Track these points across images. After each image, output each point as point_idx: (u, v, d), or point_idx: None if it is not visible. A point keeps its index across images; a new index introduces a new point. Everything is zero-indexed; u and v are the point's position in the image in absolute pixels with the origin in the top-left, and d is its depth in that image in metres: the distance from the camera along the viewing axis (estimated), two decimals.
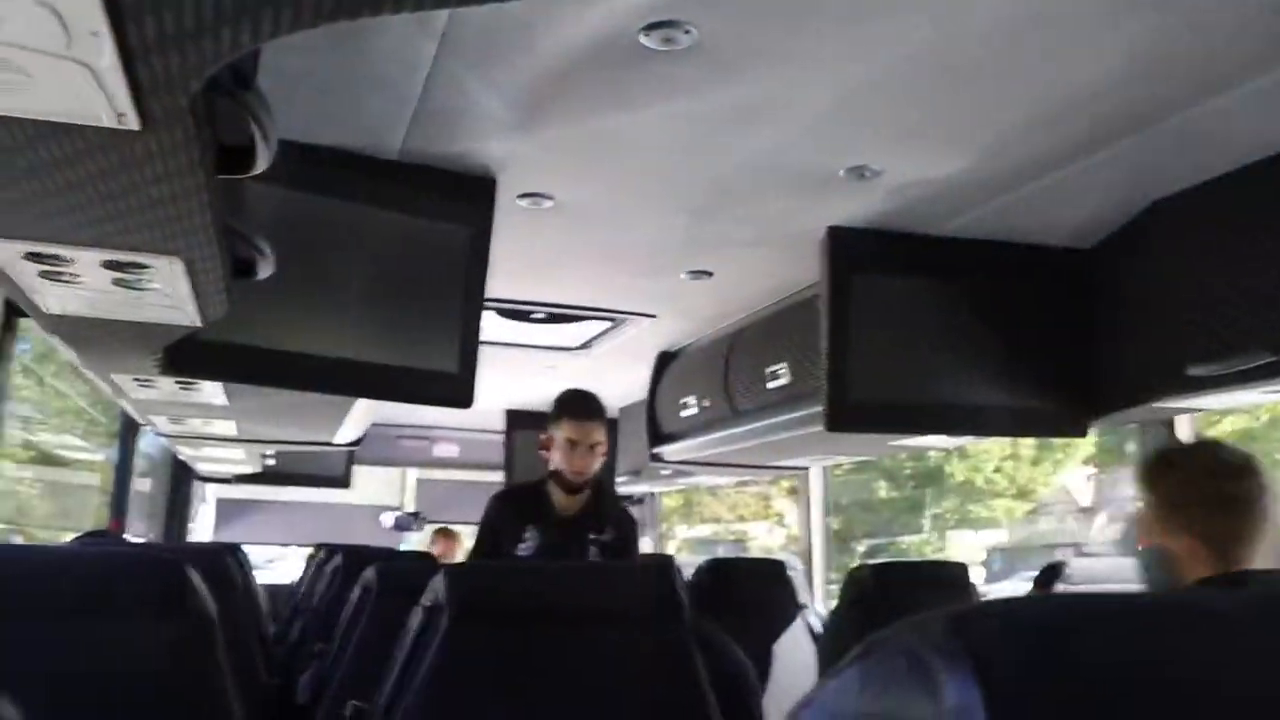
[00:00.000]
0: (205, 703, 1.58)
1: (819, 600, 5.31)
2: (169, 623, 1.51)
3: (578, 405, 3.58)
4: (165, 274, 1.82)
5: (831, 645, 3.21)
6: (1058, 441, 16.78)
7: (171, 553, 3.47)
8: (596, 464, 3.55)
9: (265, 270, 1.99)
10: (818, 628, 4.36)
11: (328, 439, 4.83)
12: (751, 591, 4.30)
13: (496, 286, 3.71)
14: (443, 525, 6.16)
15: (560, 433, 3.54)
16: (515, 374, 5.71)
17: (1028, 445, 17.83)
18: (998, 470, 18.67)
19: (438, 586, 1.55)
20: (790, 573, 4.51)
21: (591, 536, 3.59)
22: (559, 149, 2.56)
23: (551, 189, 2.86)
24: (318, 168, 2.44)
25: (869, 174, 2.68)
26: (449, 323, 2.72)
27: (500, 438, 6.94)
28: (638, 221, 3.14)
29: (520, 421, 6.86)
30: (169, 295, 1.99)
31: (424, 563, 4.08)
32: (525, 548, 3.55)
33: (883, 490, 20.16)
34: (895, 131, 2.44)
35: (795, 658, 4.16)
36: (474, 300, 2.76)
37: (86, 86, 1.08)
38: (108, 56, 1.02)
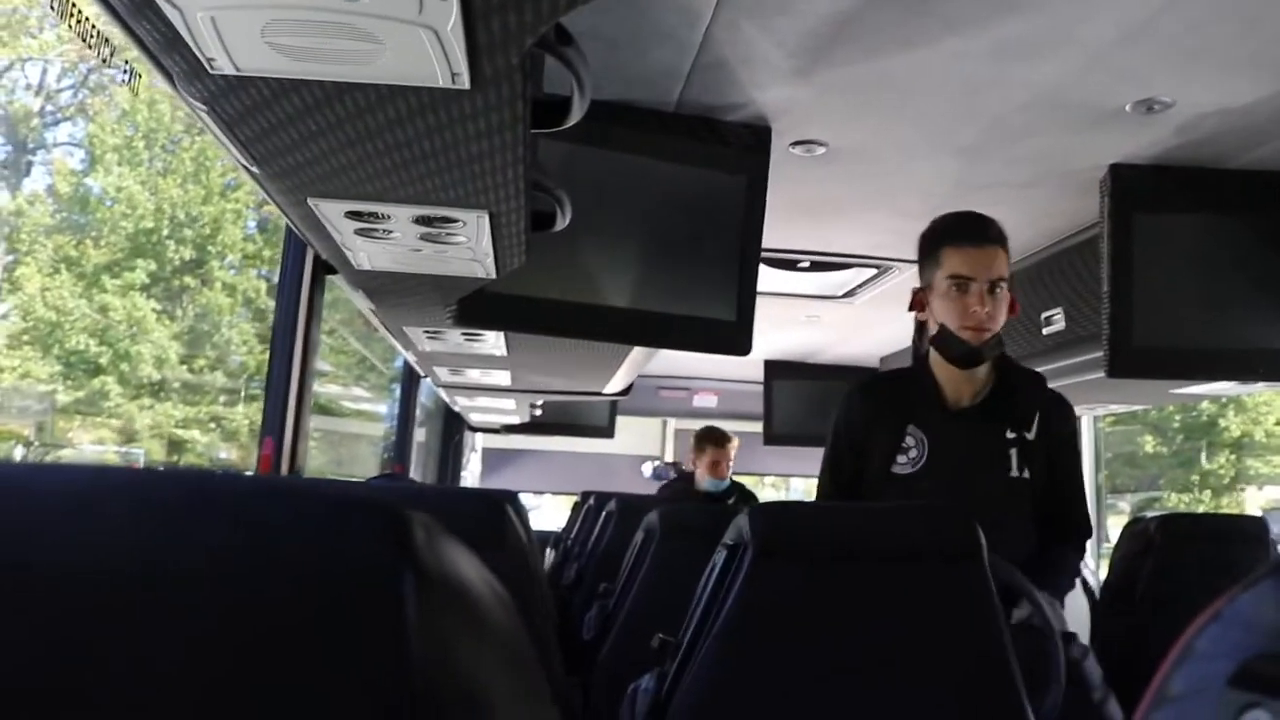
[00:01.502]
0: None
1: (1090, 556, 5.14)
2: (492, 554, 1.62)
3: (968, 226, 2.49)
4: (471, 228, 1.93)
5: (1114, 602, 3.10)
6: None
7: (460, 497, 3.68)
8: (1003, 315, 2.45)
9: (562, 222, 2.08)
10: (1092, 584, 4.22)
11: (598, 389, 4.98)
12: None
13: (765, 235, 3.75)
14: (708, 426, 5.93)
15: (941, 271, 2.46)
16: (776, 323, 5.72)
17: None
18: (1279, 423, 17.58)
19: (742, 525, 1.60)
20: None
21: (1010, 435, 2.47)
22: (834, 94, 2.56)
23: (825, 135, 2.86)
24: (601, 121, 2.51)
25: (1158, 106, 2.56)
26: (727, 272, 2.77)
27: (759, 388, 6.98)
28: (910, 165, 3.11)
29: (779, 371, 6.88)
30: (471, 249, 2.10)
31: (703, 506, 4.17)
32: (908, 462, 2.49)
33: (1149, 444, 19.25)
34: (1189, 59, 2.32)
35: (1067, 615, 4.04)
36: (751, 249, 2.80)
37: (430, 49, 1.16)
38: (453, 18, 1.09)
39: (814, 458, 4.71)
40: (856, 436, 2.55)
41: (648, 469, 7.93)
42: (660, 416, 8.20)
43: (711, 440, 5.37)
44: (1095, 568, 4.57)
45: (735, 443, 5.36)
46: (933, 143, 2.92)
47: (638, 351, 3.60)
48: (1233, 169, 2.97)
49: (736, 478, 5.58)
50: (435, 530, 0.47)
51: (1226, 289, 3.06)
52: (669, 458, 8.23)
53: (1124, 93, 2.52)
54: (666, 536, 2.90)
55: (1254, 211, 3.02)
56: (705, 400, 7.78)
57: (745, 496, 5.48)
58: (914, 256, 3.22)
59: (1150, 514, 3.43)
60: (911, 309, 2.58)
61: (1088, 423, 5.60)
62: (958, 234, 2.46)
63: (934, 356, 2.51)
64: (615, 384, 4.76)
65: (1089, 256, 3.42)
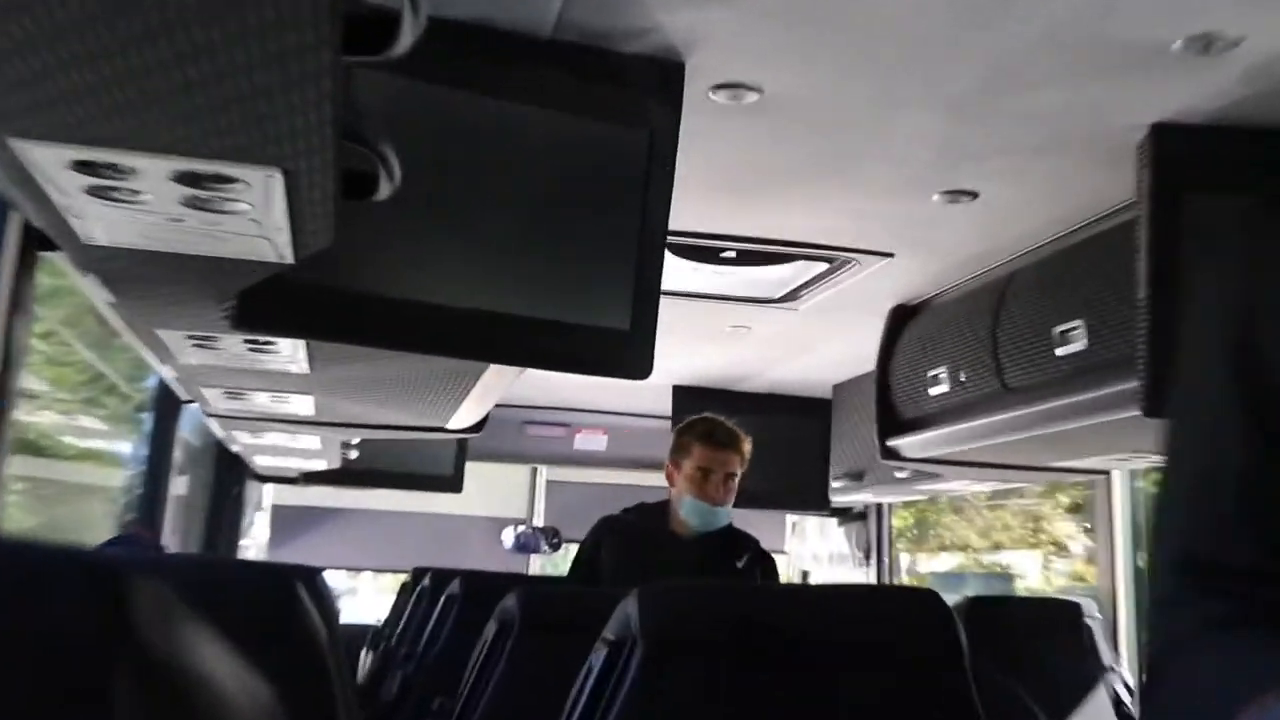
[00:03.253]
0: None
1: (1127, 661, 5.26)
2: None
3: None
4: (258, 191, 1.91)
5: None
6: None
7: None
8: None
9: (387, 188, 2.07)
10: (1128, 699, 4.33)
11: (439, 424, 4.96)
12: (1032, 646, 4.28)
13: (674, 213, 3.78)
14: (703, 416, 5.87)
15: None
16: (690, 336, 5.80)
17: None
18: None
19: (628, 614, 1.61)
20: (1088, 621, 4.47)
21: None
22: (773, 20, 2.58)
23: (759, 77, 2.88)
24: (444, 49, 2.49)
25: (1219, 44, 2.63)
26: (619, 262, 2.78)
27: (665, 425, 7.00)
28: (876, 121, 3.16)
29: (693, 403, 6.88)
30: (257, 221, 2.08)
31: (580, 589, 4.18)
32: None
33: None
34: None
35: None
36: (654, 231, 2.81)
37: None
38: None
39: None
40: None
41: (509, 537, 7.93)
42: (528, 463, 8.21)
43: (703, 435, 4.73)
44: (1131, 679, 4.68)
45: (747, 446, 4.76)
46: (909, 91, 2.96)
47: (494, 372, 3.58)
48: None
49: None
50: (168, 604, 0.46)
51: None
52: (539, 520, 8.23)
53: (1172, 25, 2.57)
54: (529, 629, 2.91)
55: None
56: (591, 441, 7.81)
57: (754, 552, 4.95)
58: (882, 246, 3.38)
59: None
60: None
61: (1122, 480, 5.74)
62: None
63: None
64: (463, 417, 4.74)
65: (1122, 249, 3.49)
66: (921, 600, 1.71)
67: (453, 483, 7.42)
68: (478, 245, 2.70)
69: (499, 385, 4.01)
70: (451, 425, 4.95)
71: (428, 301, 2.64)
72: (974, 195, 3.72)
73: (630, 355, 2.81)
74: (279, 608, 1.65)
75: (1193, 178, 3.06)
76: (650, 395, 6.92)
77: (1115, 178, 3.30)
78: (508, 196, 2.71)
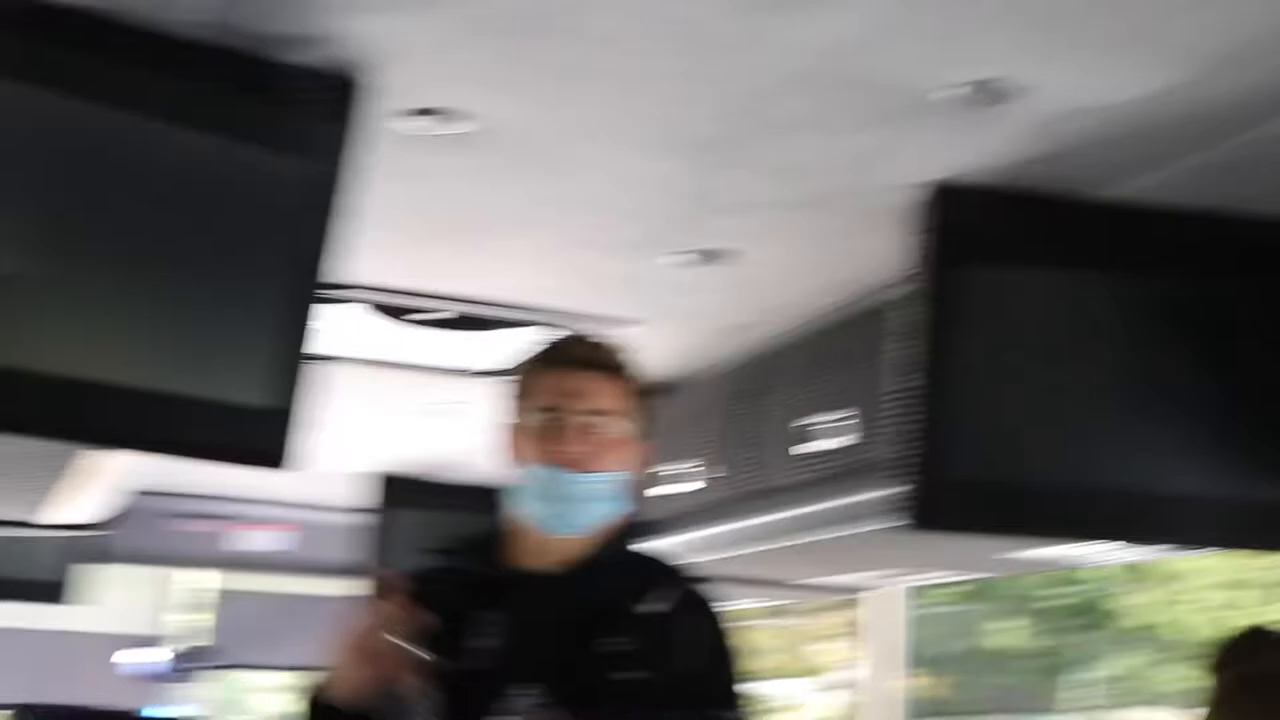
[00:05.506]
0: None
1: None
2: None
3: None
4: None
5: None
6: None
7: None
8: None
9: None
10: None
11: (25, 518, 4.78)
12: None
13: (371, 265, 3.76)
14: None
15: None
16: (399, 414, 5.77)
17: (1264, 566, 17.89)
18: (1207, 608, 18.70)
19: None
20: None
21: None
22: (485, 36, 2.59)
23: (468, 102, 2.88)
24: (56, 48, 2.46)
25: (1005, 94, 2.71)
26: (256, 320, 2.73)
27: (366, 520, 6.96)
28: (612, 164, 3.18)
29: (406, 495, 6.88)
30: None
31: None
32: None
33: (1014, 633, 20.15)
34: (1053, 25, 2.47)
35: None
36: (306, 282, 2.78)
37: None
38: None
39: None
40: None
41: (127, 659, 7.64)
42: (186, 567, 7.99)
43: (551, 356, 3.17)
44: None
45: (631, 370, 3.21)
46: (647, 130, 3.00)
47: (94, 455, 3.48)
48: (1118, 204, 3.16)
49: None
50: None
51: (1101, 395, 3.23)
52: (190, 641, 7.99)
53: (952, 68, 2.65)
54: None
55: (1150, 273, 3.21)
56: (276, 540, 7.66)
57: (677, 591, 3.16)
58: (623, 312, 3.37)
59: None
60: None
61: (894, 599, 5.82)
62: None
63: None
64: (58, 509, 4.58)
65: (891, 330, 3.54)
66: None
67: (55, 592, 7.05)
68: (68, 292, 2.58)
69: (113, 471, 3.89)
70: (39, 520, 4.77)
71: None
72: (731, 256, 3.77)
73: (260, 439, 2.75)
74: None
75: (979, 247, 3.15)
76: (351, 486, 6.81)
77: (889, 245, 3.34)
78: (115, 229, 2.61)
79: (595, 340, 3.16)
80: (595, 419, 2.98)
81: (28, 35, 2.43)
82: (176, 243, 2.69)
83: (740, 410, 4.37)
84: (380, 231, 2.91)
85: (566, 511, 2.98)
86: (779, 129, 2.95)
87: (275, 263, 2.75)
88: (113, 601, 7.72)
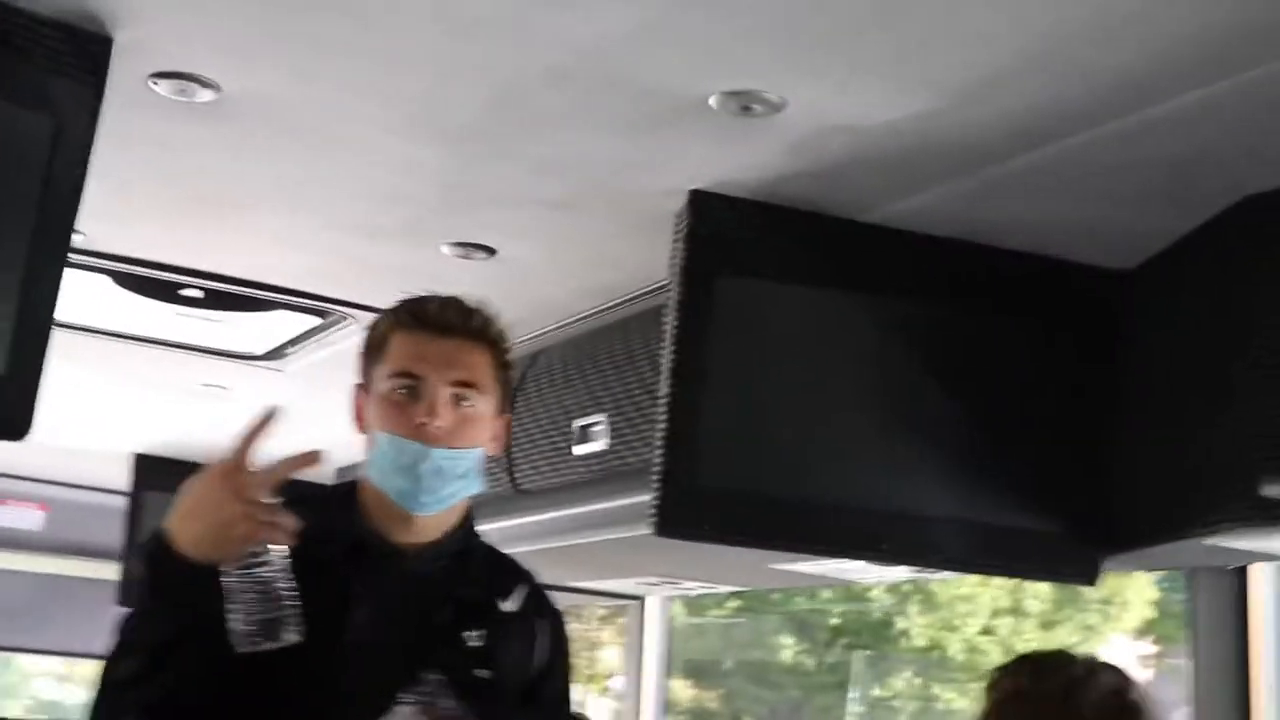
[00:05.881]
0: None
1: None
2: None
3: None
4: None
5: None
6: (1089, 592, 17.15)
7: None
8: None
9: None
10: None
11: None
12: None
13: (114, 233, 3.70)
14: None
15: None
16: (153, 394, 5.69)
17: (1039, 592, 18.25)
18: (986, 632, 19.01)
19: None
20: None
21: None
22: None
23: (219, 69, 2.82)
24: None
25: (760, 108, 2.73)
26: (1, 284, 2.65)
27: (120, 502, 6.87)
28: (365, 146, 3.16)
29: (157, 475, 6.72)
30: None
31: None
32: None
33: (789, 650, 20.34)
34: (816, 42, 2.49)
35: None
36: (53, 246, 2.71)
37: None
38: None
39: None
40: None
41: None
42: None
43: (409, 316, 2.92)
44: None
45: (497, 332, 3.00)
46: (403, 113, 2.98)
47: None
48: (870, 223, 3.21)
49: None
50: None
51: (848, 409, 3.27)
52: None
53: (710, 77, 2.66)
54: None
55: (898, 293, 3.28)
56: (22, 517, 7.50)
57: (531, 590, 3.13)
58: (382, 302, 3.32)
59: None
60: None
61: (657, 609, 5.84)
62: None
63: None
64: None
65: (653, 334, 3.55)
66: None
67: None
68: None
69: None
70: None
71: None
72: (490, 251, 3.77)
73: (2, 407, 2.67)
74: None
75: (730, 257, 3.17)
76: (103, 464, 6.70)
77: (649, 249, 3.37)
78: None
79: (465, 303, 2.90)
80: (462, 390, 2.82)
81: None
82: None
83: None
84: (128, 200, 2.85)
85: (425, 488, 2.79)
86: (539, 123, 2.94)
87: (15, 221, 2.67)
88: None
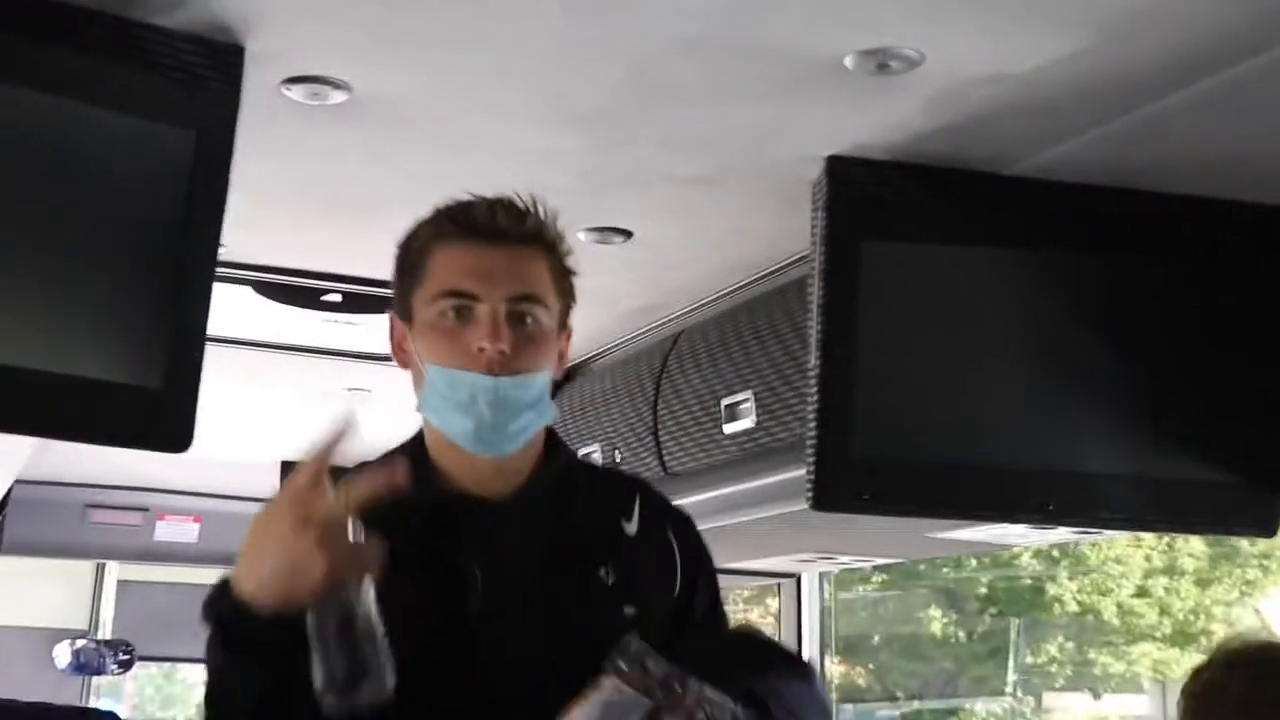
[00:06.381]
0: None
1: None
2: None
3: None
4: None
5: None
6: (1246, 546, 16.93)
7: None
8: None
9: None
10: None
11: None
12: None
13: (252, 242, 3.71)
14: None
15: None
16: (299, 401, 5.72)
17: (1194, 550, 18.05)
18: (1141, 594, 18.84)
19: None
20: None
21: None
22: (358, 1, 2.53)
23: (345, 71, 2.82)
24: None
25: (897, 64, 2.67)
26: (150, 299, 2.66)
27: None
28: (499, 138, 3.14)
29: None
30: None
31: None
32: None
33: (936, 622, 20.25)
34: None
35: None
36: (202, 259, 2.72)
37: None
38: None
39: None
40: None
41: (64, 654, 7.61)
42: (92, 558, 7.97)
43: (455, 222, 2.57)
44: None
45: (555, 234, 2.64)
46: (534, 101, 2.95)
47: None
48: (1020, 176, 3.14)
49: None
50: None
51: (1010, 373, 3.22)
52: (106, 631, 7.94)
53: (840, 37, 2.60)
54: None
55: (1058, 249, 3.22)
56: (178, 530, 7.58)
57: (654, 501, 2.83)
58: None
59: None
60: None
61: (810, 585, 5.80)
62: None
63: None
64: None
65: (798, 308, 3.52)
66: None
67: None
68: None
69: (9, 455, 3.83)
70: None
71: None
72: (627, 235, 3.74)
73: (163, 421, 2.68)
74: None
75: (874, 221, 3.12)
76: (251, 473, 6.71)
77: (789, 219, 3.34)
78: None
79: (516, 203, 2.52)
80: (523, 306, 2.42)
81: None
82: (59, 223, 2.61)
83: (645, 392, 4.32)
84: (265, 208, 2.85)
85: (491, 425, 2.39)
86: (672, 99, 2.91)
87: (163, 236, 2.68)
88: (35, 594, 7.67)
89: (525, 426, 2.44)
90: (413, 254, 2.53)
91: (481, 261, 2.43)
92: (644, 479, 2.78)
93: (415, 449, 2.54)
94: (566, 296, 2.55)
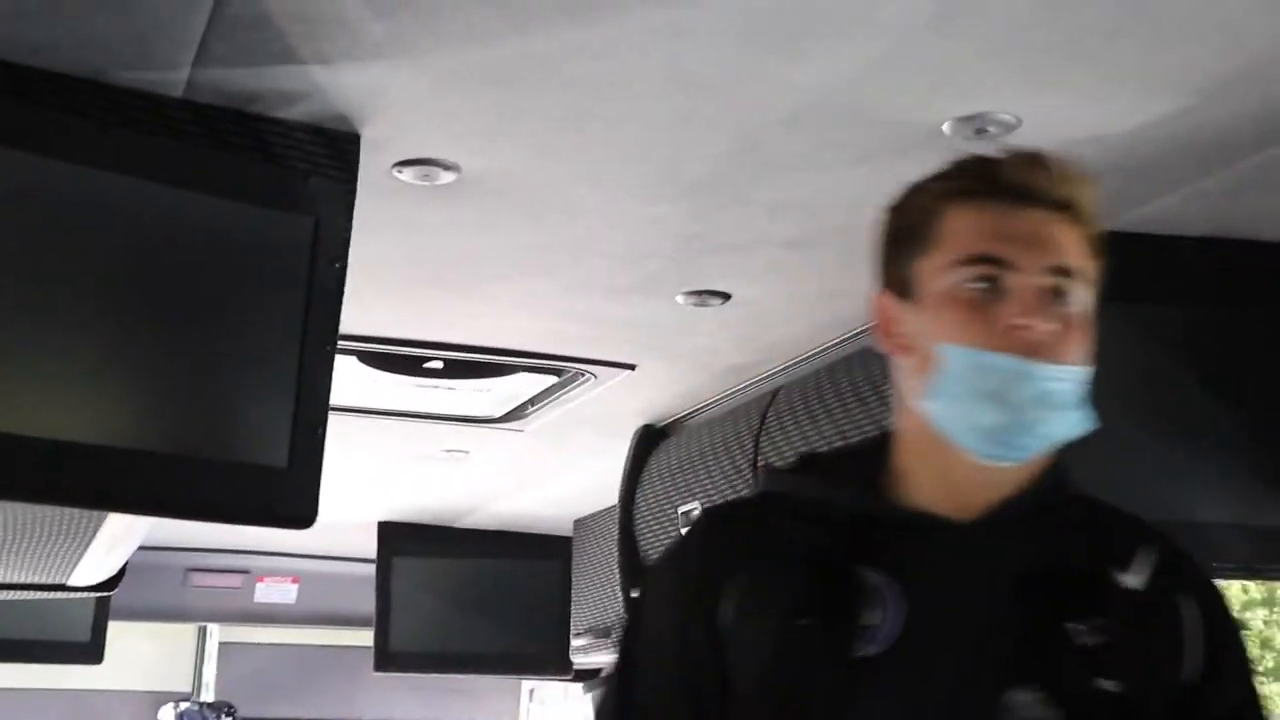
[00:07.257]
0: None
1: None
2: None
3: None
4: None
5: None
6: None
7: None
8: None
9: None
10: None
11: (60, 580, 4.76)
12: None
13: (359, 315, 3.70)
14: None
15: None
16: (396, 463, 5.76)
17: None
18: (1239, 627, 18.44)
19: None
20: None
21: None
22: (465, 85, 2.57)
23: (453, 153, 2.86)
24: (37, 110, 2.44)
25: (994, 128, 2.70)
26: (274, 380, 2.71)
27: (368, 571, 6.94)
28: (602, 208, 3.17)
29: (403, 542, 6.87)
30: None
31: None
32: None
33: None
34: (1043, 59, 2.47)
35: None
36: (321, 339, 2.76)
37: None
38: None
39: (467, 693, 4.60)
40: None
41: (168, 717, 7.67)
42: (194, 621, 7.99)
43: (976, 177, 2.15)
44: None
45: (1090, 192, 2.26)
46: (642, 173, 2.99)
47: (119, 519, 3.46)
48: (1115, 230, 3.14)
49: None
50: None
51: (1116, 417, 3.22)
52: (208, 694, 7.98)
53: (939, 105, 2.64)
54: None
55: (1152, 297, 3.20)
56: (276, 591, 7.62)
57: (1163, 552, 2.25)
58: (620, 357, 3.26)
59: None
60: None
61: None
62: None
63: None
64: (91, 570, 4.57)
65: (877, 369, 3.52)
66: None
67: (89, 651, 6.98)
68: (75, 361, 2.56)
69: (134, 532, 3.87)
70: (76, 581, 4.76)
71: (16, 434, 2.50)
72: (725, 297, 3.74)
73: (288, 499, 2.73)
74: None
75: None
76: (351, 534, 6.78)
77: None
78: (115, 297, 2.60)
79: (1049, 159, 2.04)
80: (1061, 281, 1.99)
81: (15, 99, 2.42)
82: (184, 309, 2.68)
83: (746, 447, 4.32)
84: (373, 283, 2.88)
85: (1024, 423, 1.95)
86: (774, 168, 2.95)
87: (287, 323, 2.73)
88: (140, 658, 7.73)
89: (1055, 432, 1.99)
90: (914, 215, 2.13)
91: (1012, 224, 2.00)
92: (1165, 532, 2.16)
93: (875, 450, 2.18)
94: (1098, 278, 2.09)
